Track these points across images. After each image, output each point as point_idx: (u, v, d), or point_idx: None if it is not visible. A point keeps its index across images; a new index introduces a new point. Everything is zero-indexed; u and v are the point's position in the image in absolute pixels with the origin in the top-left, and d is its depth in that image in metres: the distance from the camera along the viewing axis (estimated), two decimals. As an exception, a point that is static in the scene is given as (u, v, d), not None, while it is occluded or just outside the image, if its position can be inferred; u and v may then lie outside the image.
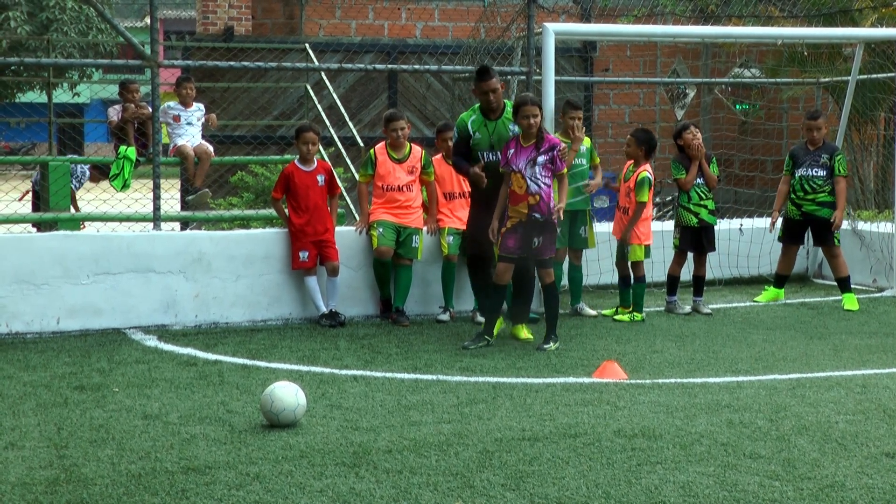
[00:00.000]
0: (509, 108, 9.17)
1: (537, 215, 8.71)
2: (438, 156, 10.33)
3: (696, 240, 10.71)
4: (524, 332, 9.18)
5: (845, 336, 9.47)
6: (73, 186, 13.45)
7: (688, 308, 10.68)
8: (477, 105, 9.31)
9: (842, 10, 16.63)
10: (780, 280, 11.45)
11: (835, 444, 5.97)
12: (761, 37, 13.92)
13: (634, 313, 10.24)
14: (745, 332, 9.64)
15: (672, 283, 10.75)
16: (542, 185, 8.71)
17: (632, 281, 10.29)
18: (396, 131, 10.01)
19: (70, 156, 13.48)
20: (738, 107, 20.16)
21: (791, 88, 18.07)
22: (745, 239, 12.45)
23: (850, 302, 10.95)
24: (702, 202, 10.68)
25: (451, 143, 9.67)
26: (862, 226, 12.57)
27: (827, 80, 14.91)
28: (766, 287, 11.61)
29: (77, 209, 13.36)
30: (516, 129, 8.98)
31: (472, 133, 9.19)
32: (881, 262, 12.17)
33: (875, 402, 6.93)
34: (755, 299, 11.39)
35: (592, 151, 10.45)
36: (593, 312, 10.50)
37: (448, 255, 10.11)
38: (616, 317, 10.26)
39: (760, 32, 14.07)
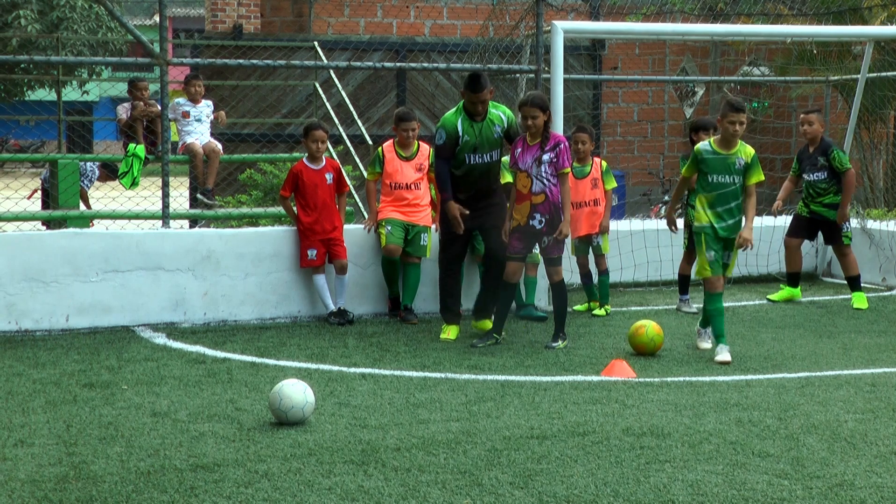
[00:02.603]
0: (492, 111, 9.09)
1: (538, 215, 8.69)
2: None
3: None
4: (489, 326, 9.19)
5: (854, 335, 9.45)
6: (84, 185, 13.49)
7: (696, 307, 10.65)
8: (461, 104, 9.18)
9: (851, 7, 16.60)
10: (793, 278, 11.39)
11: (844, 442, 5.95)
12: (770, 35, 13.89)
13: (606, 307, 10.39)
14: (753, 331, 9.62)
15: (683, 282, 10.74)
16: (547, 184, 8.69)
17: (598, 274, 10.47)
18: (407, 131, 10.00)
19: (79, 154, 13.52)
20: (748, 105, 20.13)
21: (800, 87, 18.03)
22: (754, 237, 12.37)
23: (860, 300, 10.92)
24: None
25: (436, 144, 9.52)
26: (871, 224, 12.54)
27: (836, 78, 14.87)
28: (781, 286, 11.55)
29: (89, 207, 13.41)
30: (500, 130, 9.04)
31: (460, 135, 9.11)
32: (890, 260, 12.14)
33: (884, 401, 6.92)
34: (769, 297, 11.35)
35: (755, 167, 8.50)
36: (728, 358, 8.31)
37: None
38: (595, 312, 10.39)
39: (769, 30, 14.04)
